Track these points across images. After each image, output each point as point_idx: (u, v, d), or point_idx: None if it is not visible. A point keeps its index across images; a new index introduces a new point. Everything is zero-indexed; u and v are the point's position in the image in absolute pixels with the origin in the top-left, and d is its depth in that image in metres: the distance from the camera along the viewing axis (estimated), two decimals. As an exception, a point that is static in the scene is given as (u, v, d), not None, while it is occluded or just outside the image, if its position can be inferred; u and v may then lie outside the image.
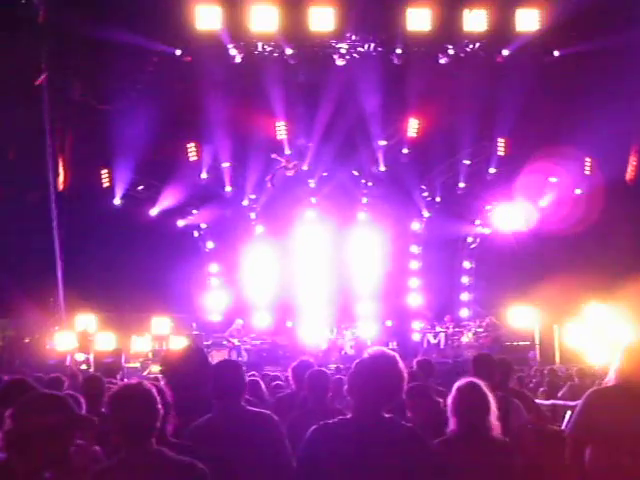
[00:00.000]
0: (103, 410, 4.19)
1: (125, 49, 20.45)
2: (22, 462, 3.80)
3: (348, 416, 4.32)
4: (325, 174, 25.13)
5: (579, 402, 4.89)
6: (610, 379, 4.85)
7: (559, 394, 10.01)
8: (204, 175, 24.56)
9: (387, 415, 4.25)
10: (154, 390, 4.11)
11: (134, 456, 3.98)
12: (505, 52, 21.81)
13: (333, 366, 18.39)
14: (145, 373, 19.12)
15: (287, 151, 24.58)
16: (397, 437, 4.16)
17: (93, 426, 4.38)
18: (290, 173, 24.54)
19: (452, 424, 5.17)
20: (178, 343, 21.34)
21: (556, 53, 21.75)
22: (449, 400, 5.30)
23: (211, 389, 5.29)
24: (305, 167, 24.89)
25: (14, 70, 18.60)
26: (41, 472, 3.79)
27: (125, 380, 10.62)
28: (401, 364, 4.29)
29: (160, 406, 4.07)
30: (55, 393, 4.33)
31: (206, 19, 20.62)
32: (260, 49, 22.00)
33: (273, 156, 24.12)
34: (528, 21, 21.21)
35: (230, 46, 21.49)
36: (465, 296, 25.64)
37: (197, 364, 5.82)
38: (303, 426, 4.43)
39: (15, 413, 3.82)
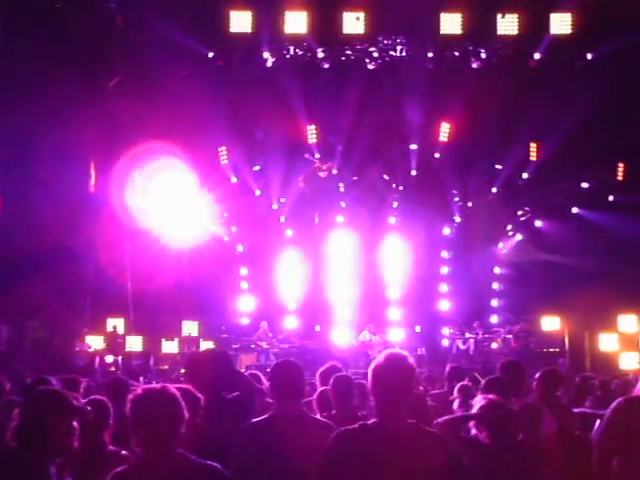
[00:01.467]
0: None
1: (159, 51, 20.60)
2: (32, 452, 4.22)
3: (370, 421, 4.28)
4: (355, 178, 25.08)
5: (608, 411, 4.82)
6: (639, 388, 4.77)
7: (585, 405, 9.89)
8: (234, 179, 24.58)
9: (410, 421, 4.24)
10: (178, 394, 4.09)
11: (153, 460, 3.97)
12: (537, 56, 21.70)
13: (361, 370, 18.35)
14: (173, 376, 19.16)
15: (317, 155, 24.59)
16: (422, 443, 4.15)
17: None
18: (323, 174, 24.60)
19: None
20: (206, 346, 21.46)
21: (589, 56, 21.62)
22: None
23: (270, 389, 5.31)
24: (335, 171, 24.90)
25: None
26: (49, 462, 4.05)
27: (153, 382, 10.66)
28: (412, 361, 4.33)
29: (184, 411, 4.05)
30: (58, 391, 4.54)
31: (239, 23, 20.76)
32: (292, 52, 22.07)
33: (306, 156, 24.21)
34: (561, 24, 21.11)
35: (263, 49, 21.60)
36: (495, 302, 25.47)
37: (220, 367, 5.82)
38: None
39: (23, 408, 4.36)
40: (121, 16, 19.78)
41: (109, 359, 20.00)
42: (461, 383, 7.26)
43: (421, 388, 7.61)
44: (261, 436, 4.97)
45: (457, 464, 4.25)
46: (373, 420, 4.26)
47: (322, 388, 7.10)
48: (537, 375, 7.36)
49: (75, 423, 4.40)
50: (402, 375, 4.26)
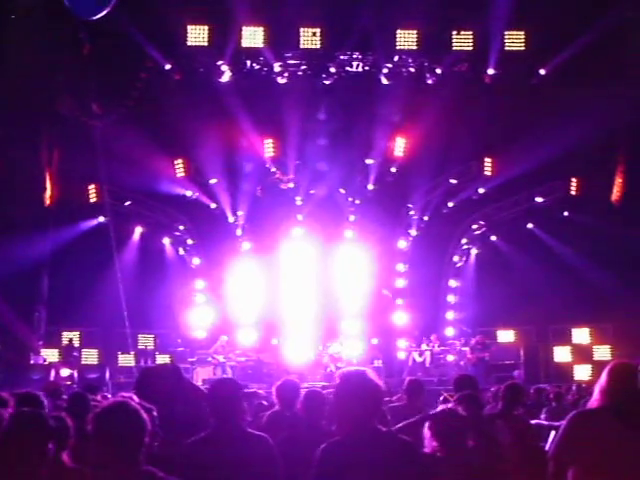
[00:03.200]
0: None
1: (115, 65, 20.59)
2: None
3: (345, 434, 4.43)
4: (312, 191, 25.13)
5: (563, 422, 4.90)
6: (594, 400, 4.85)
7: (540, 417, 10.04)
8: (190, 192, 24.54)
9: (383, 429, 4.50)
10: (139, 408, 4.04)
11: (121, 476, 3.92)
12: (491, 71, 22.03)
13: (319, 384, 18.36)
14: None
15: (273, 169, 24.67)
16: (395, 450, 4.37)
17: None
18: (284, 186, 24.67)
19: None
20: (162, 360, 21.36)
21: (542, 72, 21.99)
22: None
23: (209, 407, 5.32)
24: (291, 185, 24.97)
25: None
26: None
27: (109, 396, 10.58)
28: (374, 377, 4.50)
29: (148, 425, 4.00)
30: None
31: (196, 36, 20.87)
32: (249, 66, 22.18)
33: (268, 166, 24.30)
34: (515, 41, 21.52)
35: (220, 63, 21.69)
36: (451, 315, 25.62)
37: (171, 381, 5.84)
38: (298, 446, 4.52)
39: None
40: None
41: (65, 372, 19.80)
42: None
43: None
44: (201, 454, 5.01)
45: (424, 470, 4.54)
46: (351, 432, 4.39)
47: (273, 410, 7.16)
48: (499, 388, 7.51)
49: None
50: (372, 389, 4.43)
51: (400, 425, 5.88)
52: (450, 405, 5.85)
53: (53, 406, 7.07)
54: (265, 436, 5.34)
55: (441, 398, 7.05)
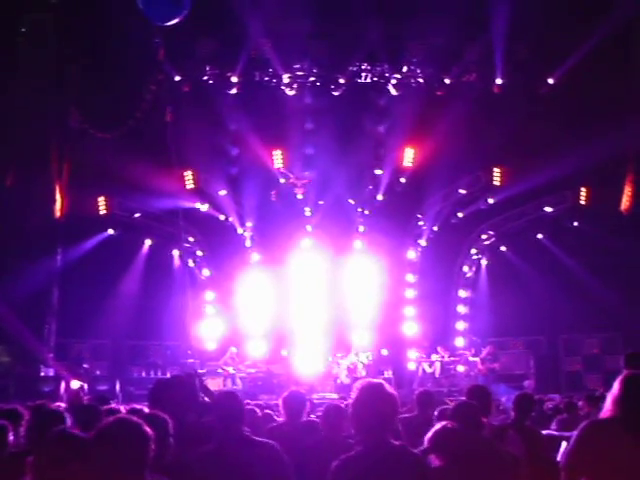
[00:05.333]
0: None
1: (124, 77, 20.68)
2: None
3: (360, 448, 4.51)
4: (321, 202, 25.14)
5: (575, 433, 4.88)
6: (606, 410, 4.83)
7: (551, 427, 9.99)
8: (200, 204, 24.59)
9: (396, 443, 4.54)
10: (141, 423, 4.06)
11: None
12: (499, 81, 22.05)
13: (329, 395, 18.33)
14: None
15: (282, 180, 24.73)
16: (407, 466, 4.44)
17: None
18: (298, 191, 24.70)
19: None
20: (173, 371, 21.37)
21: (550, 81, 22.00)
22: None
23: (214, 418, 5.38)
24: (300, 195, 24.99)
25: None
26: None
27: (121, 408, 10.57)
28: (391, 390, 4.60)
29: (150, 440, 4.01)
30: None
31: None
32: (258, 78, 22.27)
33: (282, 170, 24.36)
34: (521, 51, 21.59)
35: (229, 74, 21.79)
36: (461, 325, 25.58)
37: (183, 392, 5.86)
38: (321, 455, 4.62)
39: None
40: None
41: (75, 385, 19.81)
42: (440, 407, 7.33)
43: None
44: (209, 464, 5.06)
45: None
46: (365, 446, 4.47)
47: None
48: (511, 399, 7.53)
49: None
50: (390, 402, 4.53)
51: None
52: (445, 422, 5.82)
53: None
54: (272, 442, 5.40)
55: (435, 413, 7.03)
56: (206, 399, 6.73)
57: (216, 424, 5.39)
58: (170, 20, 13.48)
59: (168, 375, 21.56)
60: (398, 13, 20.99)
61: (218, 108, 22.85)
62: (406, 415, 8.38)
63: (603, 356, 23.44)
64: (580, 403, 11.71)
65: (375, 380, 4.77)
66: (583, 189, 23.83)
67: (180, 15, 13.15)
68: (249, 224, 25.33)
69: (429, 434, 5.60)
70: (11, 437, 5.94)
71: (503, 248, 25.35)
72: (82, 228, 22.31)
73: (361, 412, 4.51)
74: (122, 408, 8.31)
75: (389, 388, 4.58)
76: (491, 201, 24.74)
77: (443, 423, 5.62)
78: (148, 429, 4.03)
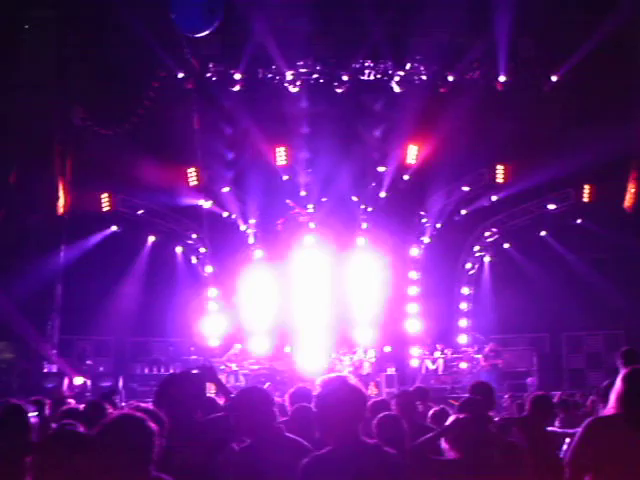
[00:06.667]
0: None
1: (127, 73, 20.70)
2: None
3: (331, 446, 4.33)
4: (324, 199, 25.13)
5: (579, 429, 4.89)
6: (610, 407, 4.83)
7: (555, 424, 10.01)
8: (203, 201, 24.61)
9: (370, 441, 4.39)
10: (145, 419, 4.06)
11: None
12: (502, 78, 22.05)
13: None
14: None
15: (285, 177, 24.76)
16: (381, 464, 4.26)
17: None
18: (303, 219, 24.75)
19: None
20: (176, 368, 21.40)
21: (554, 78, 21.99)
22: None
23: (242, 416, 5.35)
24: (303, 193, 25.00)
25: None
26: None
27: (123, 404, 10.60)
28: (356, 383, 4.42)
29: (153, 436, 4.02)
30: None
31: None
32: (261, 75, 22.28)
33: (288, 202, 24.45)
34: (525, 48, 21.56)
35: (232, 71, 21.79)
36: (464, 322, 25.57)
37: (191, 389, 5.84)
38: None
39: None
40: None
41: (78, 381, 19.85)
42: (434, 409, 7.39)
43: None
44: (245, 462, 5.04)
45: None
46: (336, 444, 4.30)
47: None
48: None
49: None
50: (354, 396, 4.36)
51: (419, 441, 5.88)
52: (461, 415, 5.86)
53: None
54: (301, 441, 5.34)
55: (430, 413, 7.09)
56: (212, 394, 6.73)
57: (241, 421, 5.32)
58: (202, 31, 13.50)
59: (171, 371, 21.63)
60: (401, 10, 21.02)
61: (221, 105, 22.89)
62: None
63: (606, 354, 23.44)
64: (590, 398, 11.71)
65: (339, 374, 4.60)
66: (586, 186, 23.82)
67: (212, 27, 13.16)
68: (252, 221, 25.33)
69: (447, 423, 5.63)
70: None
71: (506, 245, 25.34)
72: (85, 225, 22.36)
73: (326, 409, 4.33)
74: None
75: (354, 381, 4.42)
76: (494, 198, 24.75)
77: (458, 415, 5.66)
78: (152, 424, 4.03)
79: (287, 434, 5.35)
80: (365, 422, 4.52)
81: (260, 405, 5.33)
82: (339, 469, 4.16)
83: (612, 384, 5.03)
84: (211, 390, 6.93)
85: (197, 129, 22.06)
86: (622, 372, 4.88)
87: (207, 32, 13.40)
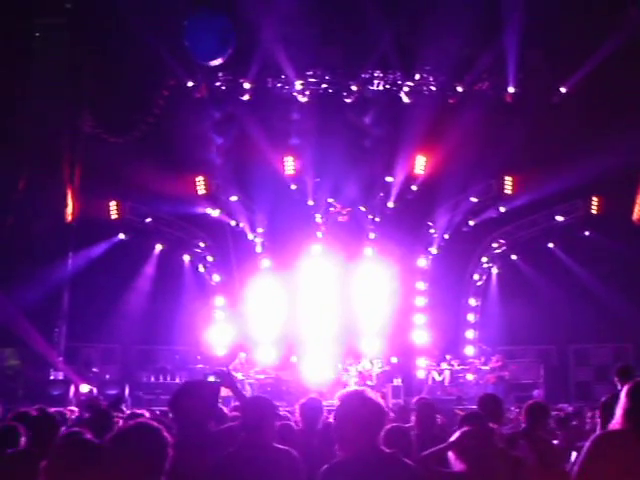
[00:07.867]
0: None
1: (137, 81, 20.75)
2: None
3: (348, 454, 4.35)
4: (332, 209, 25.14)
5: (586, 443, 4.85)
6: (616, 422, 4.79)
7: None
8: (212, 209, 24.63)
9: (388, 450, 4.38)
10: (159, 428, 4.02)
11: None
12: (511, 90, 22.05)
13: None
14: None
15: (293, 186, 24.76)
16: (398, 474, 4.30)
17: None
18: (343, 219, 24.77)
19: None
20: (182, 376, 21.39)
21: (563, 90, 21.98)
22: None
23: (241, 422, 5.40)
24: (311, 202, 25.00)
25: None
26: None
27: (127, 412, 10.57)
28: (374, 396, 4.44)
29: (170, 444, 3.99)
30: None
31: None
32: (270, 84, 22.32)
33: (330, 200, 24.44)
34: (533, 60, 21.57)
35: (241, 80, 21.85)
36: (471, 333, 25.51)
37: (204, 400, 5.82)
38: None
39: None
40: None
41: (84, 389, 19.85)
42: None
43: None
44: (226, 469, 5.05)
45: None
46: (353, 452, 4.32)
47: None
48: (521, 408, 7.51)
49: None
50: (373, 409, 4.39)
51: (427, 452, 5.86)
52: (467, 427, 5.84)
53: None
54: (290, 450, 5.34)
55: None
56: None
57: (240, 429, 5.38)
58: (215, 59, 13.60)
59: (177, 380, 21.64)
60: (411, 21, 21.05)
61: (230, 114, 22.93)
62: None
63: (614, 367, 23.27)
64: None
65: (357, 388, 4.65)
66: (595, 198, 23.77)
67: (225, 55, 13.25)
68: (260, 230, 25.34)
69: (456, 435, 5.61)
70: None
71: (514, 257, 25.28)
72: (93, 232, 22.37)
73: (344, 424, 4.37)
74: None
75: (373, 395, 4.45)
76: (502, 209, 24.71)
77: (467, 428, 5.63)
78: (167, 435, 4.00)
79: (275, 444, 5.37)
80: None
81: (252, 414, 5.38)
82: (356, 476, 4.20)
83: (611, 400, 5.00)
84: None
85: (205, 137, 22.07)
86: (625, 387, 4.84)
87: (220, 60, 13.50)
